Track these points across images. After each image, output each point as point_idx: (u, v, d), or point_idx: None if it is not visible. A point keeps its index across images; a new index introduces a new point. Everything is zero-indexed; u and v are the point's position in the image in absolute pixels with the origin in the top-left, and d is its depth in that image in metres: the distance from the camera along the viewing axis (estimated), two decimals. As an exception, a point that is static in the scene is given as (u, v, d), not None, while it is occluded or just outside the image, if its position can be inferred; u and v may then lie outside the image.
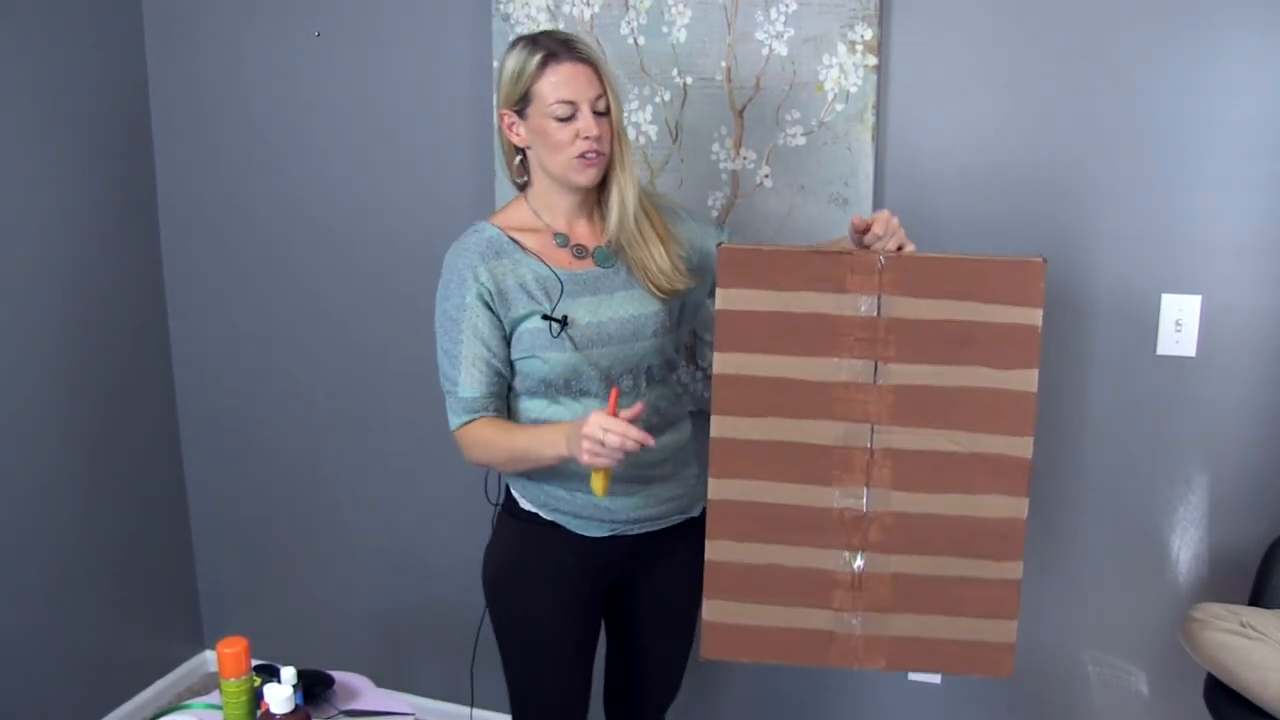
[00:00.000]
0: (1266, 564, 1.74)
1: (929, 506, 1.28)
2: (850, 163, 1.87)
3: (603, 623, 1.73)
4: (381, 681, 2.01)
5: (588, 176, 1.51)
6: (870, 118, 1.85)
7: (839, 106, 1.86)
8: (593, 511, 1.56)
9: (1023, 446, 1.26)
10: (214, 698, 1.76)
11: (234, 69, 2.32)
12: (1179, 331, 1.81)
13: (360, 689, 1.88)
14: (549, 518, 1.58)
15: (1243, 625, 1.59)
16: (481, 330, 1.50)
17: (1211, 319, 1.79)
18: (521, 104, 1.49)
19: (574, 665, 1.64)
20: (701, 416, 1.51)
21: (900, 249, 1.42)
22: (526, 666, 1.64)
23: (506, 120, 1.52)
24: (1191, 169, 1.75)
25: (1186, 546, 1.89)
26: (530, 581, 1.59)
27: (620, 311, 1.53)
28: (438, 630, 2.37)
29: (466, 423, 1.53)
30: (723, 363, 1.27)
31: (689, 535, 1.62)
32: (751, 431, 1.28)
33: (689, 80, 1.93)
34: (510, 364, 1.54)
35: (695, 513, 1.66)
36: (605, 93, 1.49)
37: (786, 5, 1.85)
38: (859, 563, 1.30)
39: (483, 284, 1.50)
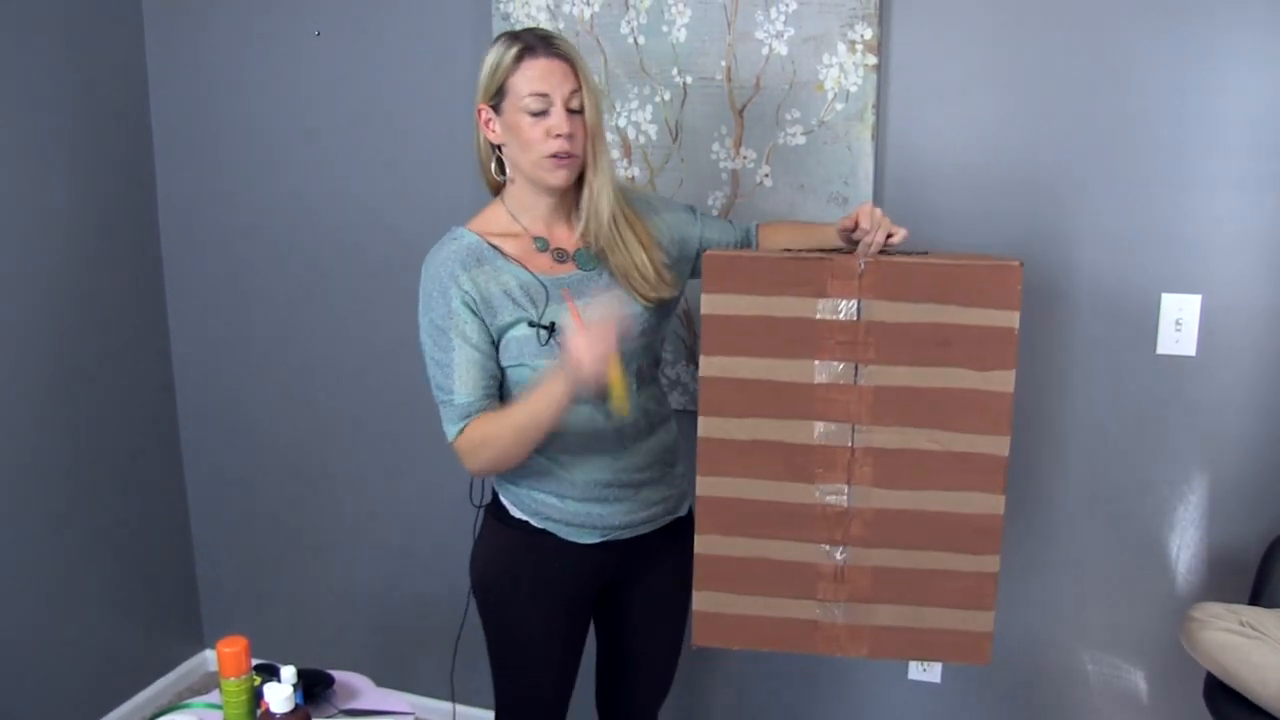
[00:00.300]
0: (1266, 563, 1.75)
1: (909, 502, 1.34)
2: (850, 162, 1.88)
3: (592, 623, 1.73)
4: (381, 681, 2.02)
5: (558, 177, 1.48)
6: (870, 117, 1.86)
7: (839, 106, 1.87)
8: (584, 519, 1.56)
9: (1000, 445, 1.31)
10: (214, 697, 1.76)
11: (234, 68, 2.32)
12: (1179, 331, 1.81)
13: (360, 688, 1.89)
14: (540, 526, 1.58)
15: (1242, 624, 1.59)
16: (471, 335, 1.47)
17: (1211, 318, 1.80)
18: (497, 98, 1.47)
19: (563, 668, 1.66)
20: (690, 415, 1.52)
21: (890, 237, 1.45)
22: (516, 671, 1.64)
23: (484, 116, 1.50)
24: (1192, 168, 1.76)
25: (1186, 546, 1.89)
26: (522, 590, 1.59)
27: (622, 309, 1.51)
28: (438, 630, 2.37)
29: (463, 429, 1.48)
30: (708, 365, 1.32)
31: (677, 535, 1.65)
32: (737, 431, 1.33)
33: (689, 80, 1.94)
34: (501, 368, 1.52)
35: (683, 512, 1.68)
36: (580, 90, 1.46)
37: (786, 5, 1.86)
38: (841, 555, 1.36)
39: (466, 291, 1.47)
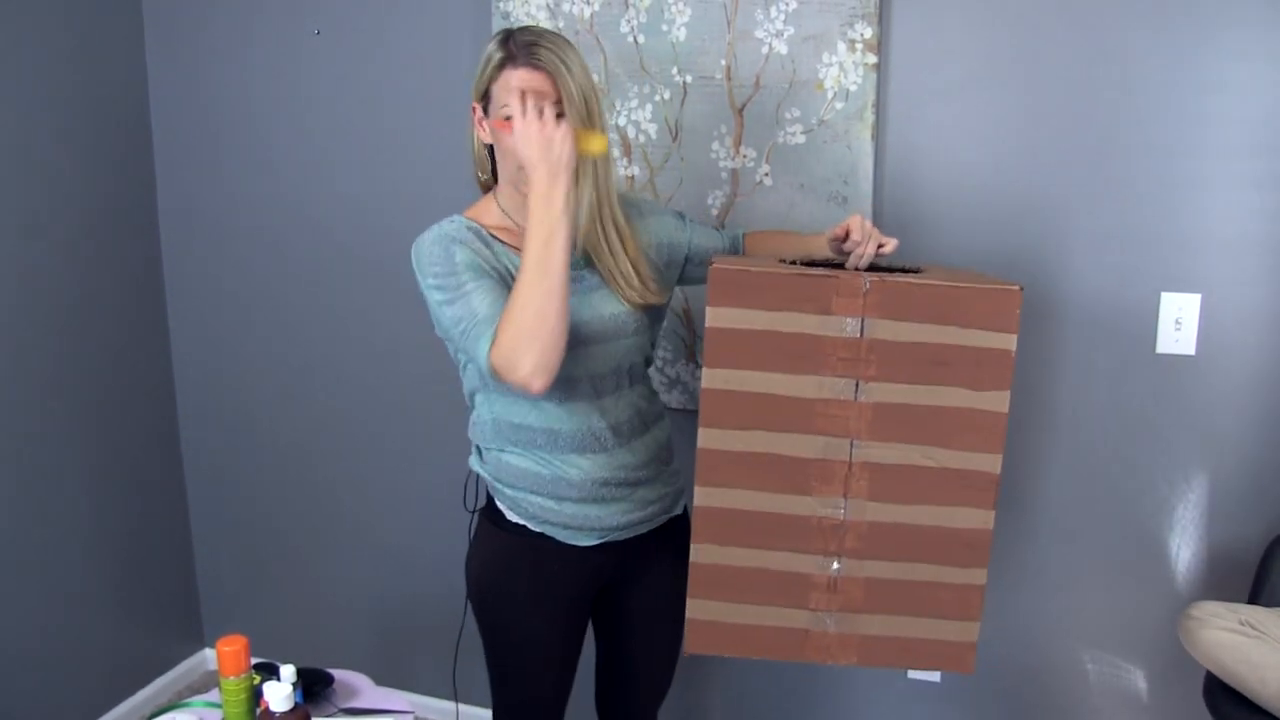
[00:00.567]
0: (1266, 562, 1.75)
1: (902, 516, 1.36)
2: (850, 161, 1.88)
3: (590, 624, 1.74)
4: (381, 680, 2.02)
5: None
6: (870, 116, 1.86)
7: (839, 105, 1.87)
8: (582, 521, 1.56)
9: (992, 463, 1.34)
10: (214, 695, 1.76)
11: (234, 67, 2.33)
12: (1178, 330, 1.81)
13: (360, 687, 1.89)
14: (537, 529, 1.57)
15: (1242, 623, 1.59)
16: (481, 276, 1.42)
17: (1211, 317, 1.80)
18: (484, 100, 1.47)
19: (561, 671, 1.67)
20: (689, 415, 1.52)
21: (881, 247, 1.47)
22: (515, 674, 1.65)
23: (476, 114, 1.50)
24: (1192, 167, 1.76)
25: (1186, 545, 1.89)
26: (520, 594, 1.60)
27: (600, 310, 1.52)
28: (437, 629, 2.37)
29: (494, 334, 1.36)
30: (711, 377, 1.34)
31: (673, 534, 1.67)
32: (736, 443, 1.35)
33: (689, 78, 1.94)
34: None
35: (678, 511, 1.70)
36: (557, 103, 1.41)
37: (786, 4, 1.86)
38: (835, 566, 1.38)
39: (468, 251, 1.44)
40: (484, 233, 1.49)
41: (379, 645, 2.53)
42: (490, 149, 1.53)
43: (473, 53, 2.08)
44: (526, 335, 1.34)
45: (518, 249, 1.48)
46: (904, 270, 1.47)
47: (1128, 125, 1.79)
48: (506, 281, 1.45)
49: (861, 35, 1.85)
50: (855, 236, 1.46)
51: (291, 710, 1.51)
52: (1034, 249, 1.87)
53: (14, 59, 2.12)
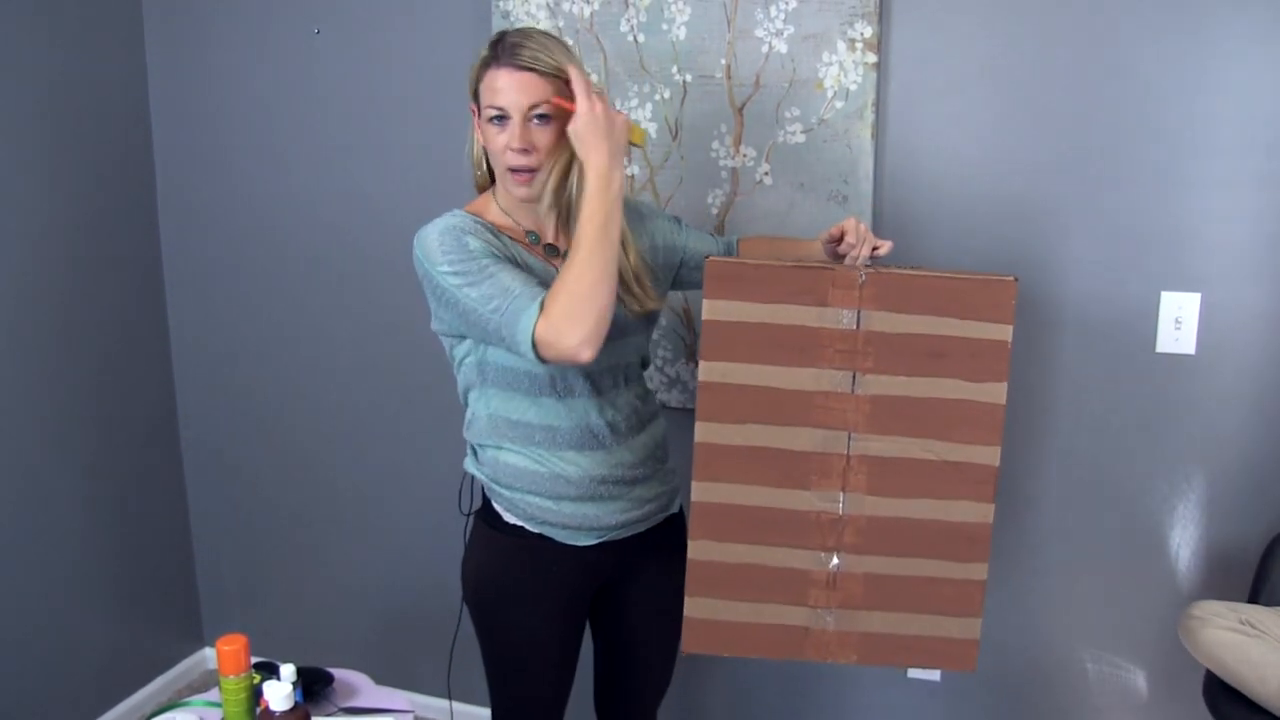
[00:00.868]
0: (1266, 561, 1.76)
1: (901, 510, 1.36)
2: (850, 160, 1.88)
3: (588, 624, 1.74)
4: (381, 679, 2.02)
5: (519, 192, 1.47)
6: (870, 115, 1.86)
7: (839, 104, 1.87)
8: (580, 521, 1.56)
9: (991, 455, 1.34)
10: (213, 695, 1.77)
11: (234, 66, 2.33)
12: (1178, 329, 1.81)
13: (359, 686, 1.89)
14: (536, 530, 1.57)
15: (1242, 623, 1.59)
16: (498, 260, 1.41)
17: (1211, 317, 1.80)
18: (475, 98, 1.48)
19: (560, 672, 1.66)
20: (689, 413, 1.52)
21: (876, 250, 1.48)
22: (513, 676, 1.65)
23: (474, 113, 1.50)
24: (1192, 166, 1.77)
25: (1186, 544, 1.89)
26: (519, 596, 1.60)
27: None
28: (437, 628, 2.37)
29: (541, 306, 1.34)
30: (708, 371, 1.34)
31: (671, 532, 1.67)
32: (734, 437, 1.35)
33: (689, 78, 1.94)
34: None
35: (675, 510, 1.71)
36: (545, 103, 1.41)
37: (786, 3, 1.87)
38: (835, 562, 1.38)
39: (480, 240, 1.43)
40: (488, 226, 1.48)
41: (379, 644, 2.53)
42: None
43: (473, 50, 2.07)
44: (581, 307, 1.32)
45: (524, 243, 1.50)
46: (899, 268, 1.48)
47: (1128, 124, 1.79)
48: (520, 269, 1.45)
49: (861, 34, 1.85)
50: (849, 239, 1.47)
51: (291, 709, 1.51)
52: (1034, 248, 1.87)
53: (13, 58, 2.12)
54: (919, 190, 1.91)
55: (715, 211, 2.00)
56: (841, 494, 1.35)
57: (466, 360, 1.54)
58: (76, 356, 2.33)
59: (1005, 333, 1.30)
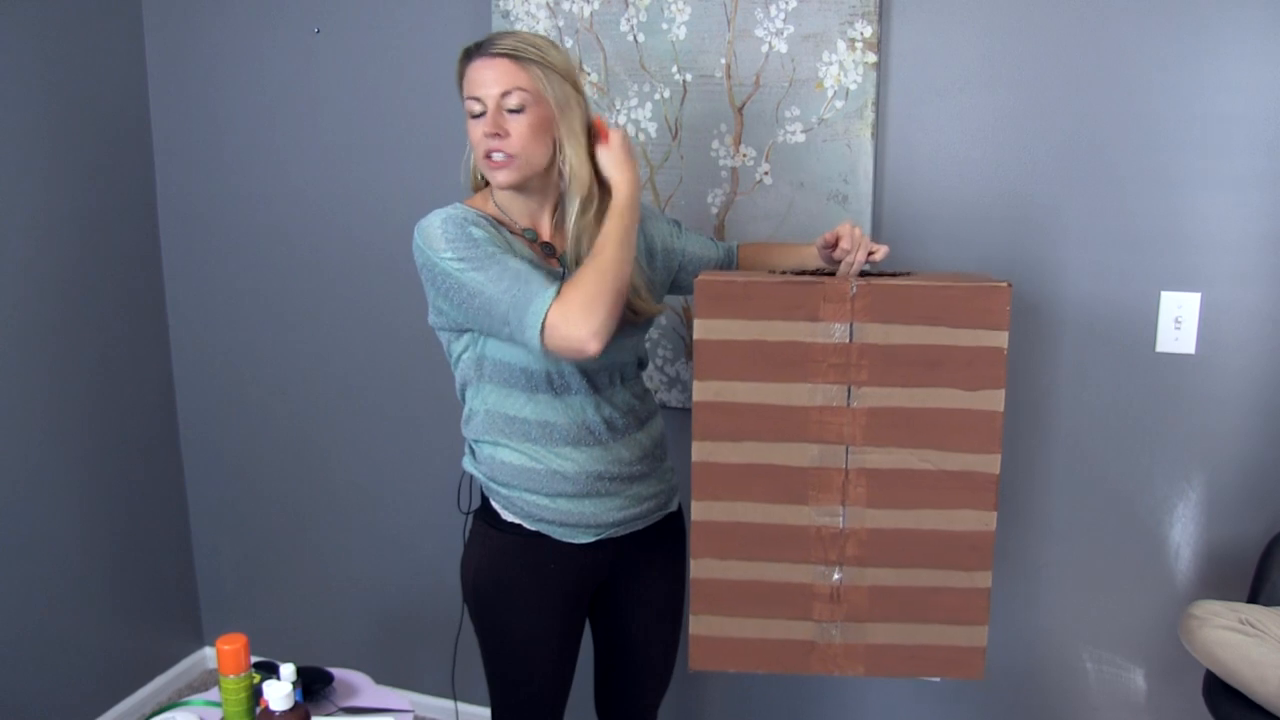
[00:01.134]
0: (1265, 561, 1.75)
1: (902, 521, 1.35)
2: (849, 160, 1.88)
3: (587, 624, 1.74)
4: (381, 678, 2.02)
5: (497, 179, 1.47)
6: (870, 115, 1.85)
7: (838, 104, 1.86)
8: (578, 518, 1.56)
9: (990, 463, 1.33)
10: (213, 694, 1.77)
11: (234, 66, 2.33)
12: (1178, 329, 1.81)
13: (359, 686, 1.89)
14: (533, 528, 1.57)
15: (1242, 622, 1.59)
16: (500, 244, 1.43)
17: (1211, 316, 1.80)
18: (461, 96, 1.50)
19: (560, 671, 1.66)
20: (688, 413, 1.52)
21: (872, 254, 1.48)
22: (513, 675, 1.64)
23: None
24: (1192, 166, 1.76)
25: (1186, 543, 1.89)
26: (518, 594, 1.59)
27: None
28: (437, 627, 2.37)
29: (555, 294, 1.36)
30: (702, 390, 1.33)
31: (669, 531, 1.68)
32: (731, 455, 1.35)
33: (689, 77, 1.94)
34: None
35: (673, 508, 1.71)
36: (519, 90, 1.42)
37: (786, 2, 1.87)
38: (837, 576, 1.37)
39: (483, 231, 1.43)
40: (490, 219, 1.49)
41: (379, 644, 2.53)
42: None
43: (471, 51, 2.08)
44: (598, 300, 1.35)
45: (522, 239, 1.52)
46: (894, 274, 1.47)
47: (1128, 123, 1.79)
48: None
49: (861, 34, 1.84)
50: (845, 245, 1.47)
51: (291, 709, 1.51)
52: (1034, 248, 1.86)
53: (13, 57, 2.12)
54: (919, 189, 1.91)
55: (715, 211, 2.00)
56: (841, 508, 1.34)
57: (464, 356, 1.55)
58: (76, 356, 2.33)
59: (1001, 339, 1.29)
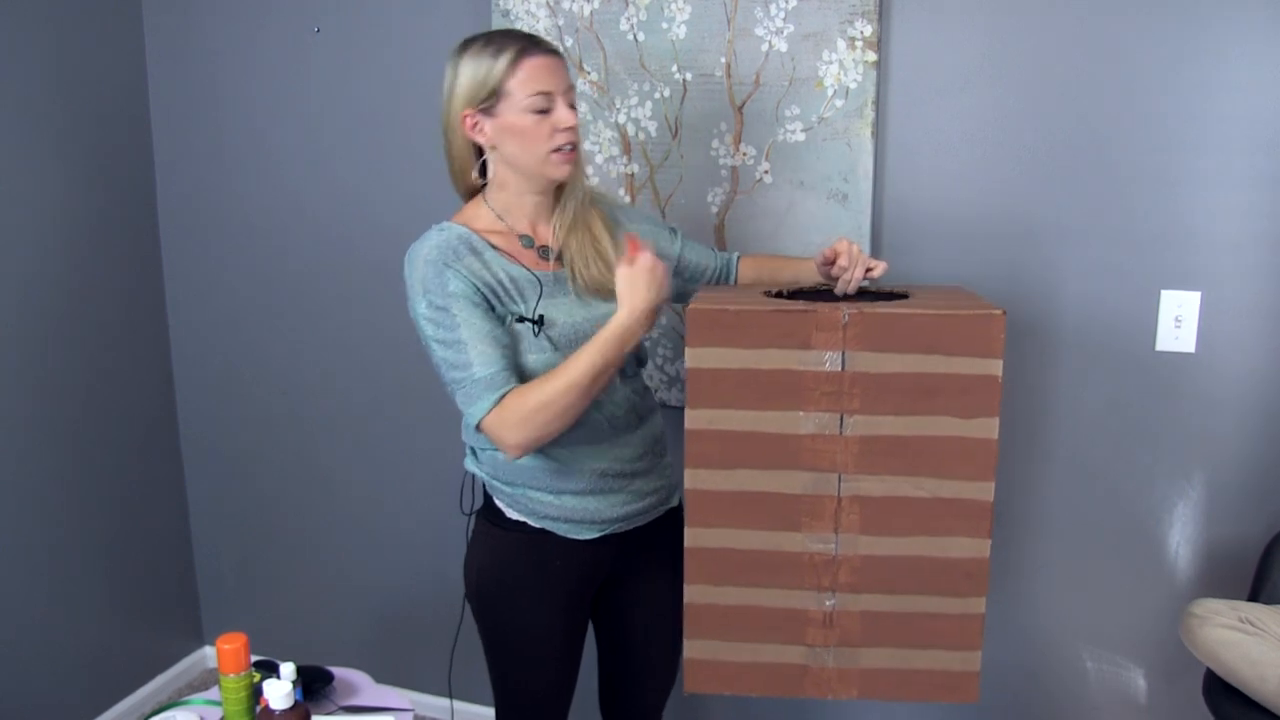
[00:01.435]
0: (1266, 559, 1.75)
1: (896, 549, 1.35)
2: (850, 159, 1.87)
3: (591, 625, 1.75)
4: (381, 677, 2.02)
5: (564, 171, 1.50)
6: (870, 114, 1.85)
7: (838, 103, 1.86)
8: (582, 514, 1.56)
9: (984, 490, 1.32)
10: (213, 693, 1.77)
11: (234, 65, 2.33)
12: (1178, 328, 1.80)
13: (359, 685, 1.89)
14: (538, 525, 1.57)
15: (1242, 621, 1.59)
16: (474, 312, 1.44)
17: (1211, 315, 1.79)
18: (490, 101, 1.47)
19: (564, 669, 1.67)
20: (681, 411, 1.52)
21: (870, 271, 1.48)
22: (518, 674, 1.65)
23: (470, 121, 1.49)
24: (1192, 165, 1.76)
25: (1186, 542, 1.88)
26: (522, 592, 1.60)
27: (596, 310, 1.52)
28: (437, 626, 2.37)
29: (496, 401, 1.41)
30: (694, 418, 1.33)
31: (670, 527, 1.67)
32: (724, 483, 1.34)
33: (689, 76, 1.93)
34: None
35: (674, 503, 1.71)
36: (572, 89, 1.50)
37: (786, 1, 1.87)
38: (830, 602, 1.37)
39: (462, 275, 1.45)
40: (476, 240, 1.49)
41: (379, 643, 2.53)
42: (479, 151, 1.52)
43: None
44: (537, 426, 1.41)
45: (510, 254, 1.50)
46: (890, 295, 1.46)
47: (1128, 122, 1.78)
48: (499, 295, 1.46)
49: (861, 33, 1.84)
50: (842, 262, 1.47)
51: (291, 708, 1.51)
52: (1034, 246, 1.86)
53: (12, 57, 2.11)
54: (919, 189, 1.90)
55: (715, 210, 2.00)
56: (834, 534, 1.34)
57: None
58: (76, 356, 2.32)
59: (995, 367, 1.27)
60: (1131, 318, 1.84)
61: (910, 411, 1.29)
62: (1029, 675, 2.04)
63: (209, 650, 2.74)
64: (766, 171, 1.95)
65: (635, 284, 1.40)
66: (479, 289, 1.45)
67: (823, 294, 1.50)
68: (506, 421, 1.41)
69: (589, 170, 2.04)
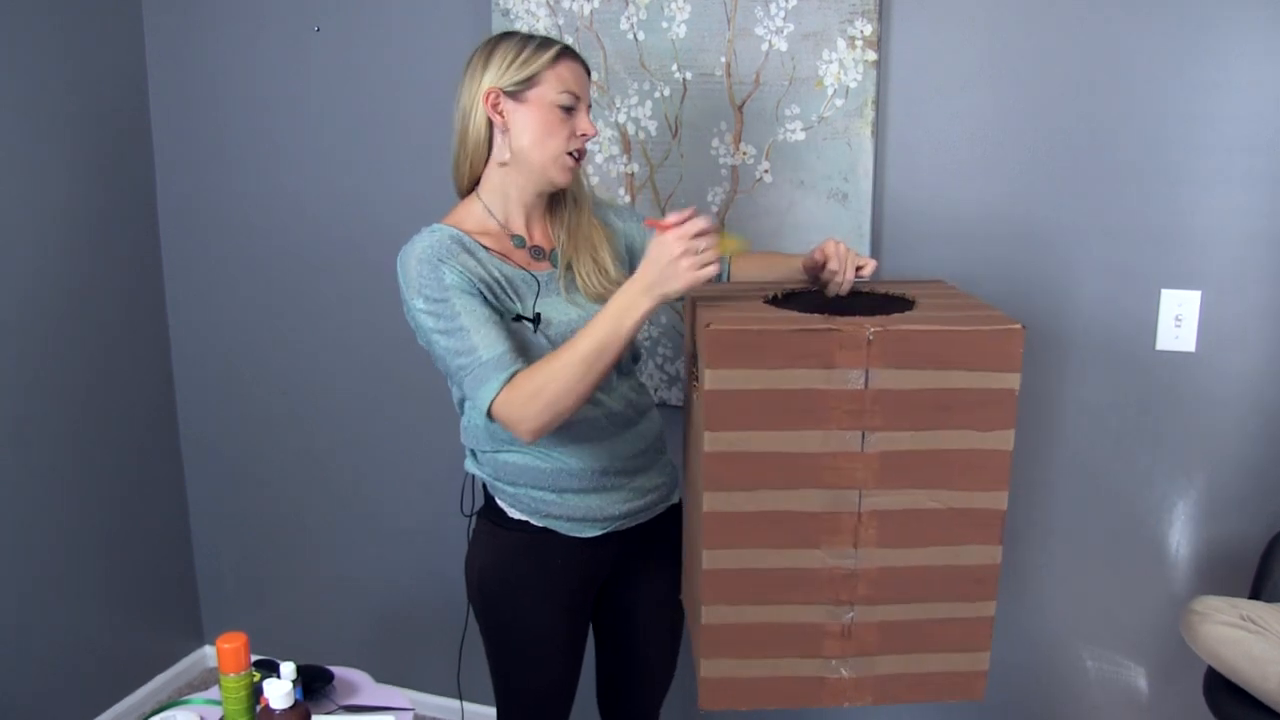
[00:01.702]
0: (1267, 558, 1.75)
1: (912, 559, 1.34)
2: (850, 158, 1.87)
3: (590, 625, 1.74)
4: (381, 677, 2.01)
5: (566, 178, 1.51)
6: (870, 113, 1.85)
7: (838, 102, 1.86)
8: (585, 512, 1.56)
9: (998, 500, 1.32)
10: (214, 693, 1.76)
11: (234, 64, 2.32)
12: (1179, 327, 1.80)
13: (360, 684, 1.89)
14: (540, 524, 1.57)
15: (1243, 619, 1.58)
16: (473, 301, 1.42)
17: (1211, 314, 1.79)
18: (522, 86, 1.46)
19: (566, 667, 1.66)
20: (678, 409, 1.52)
21: (860, 269, 1.47)
22: (521, 671, 1.64)
23: (492, 98, 1.47)
24: (1191, 164, 1.75)
25: (1186, 541, 1.88)
26: (525, 591, 1.59)
27: (589, 311, 1.51)
28: (437, 625, 2.37)
29: (506, 380, 1.38)
30: (714, 441, 1.30)
31: (671, 525, 1.67)
32: (744, 504, 1.32)
33: (689, 75, 1.93)
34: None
35: (674, 500, 1.70)
36: (592, 105, 1.54)
37: (786, 1, 1.85)
38: (849, 615, 1.36)
39: (457, 270, 1.43)
40: (468, 240, 1.48)
41: (379, 642, 2.52)
42: (489, 143, 1.51)
43: (472, 47, 2.07)
44: (546, 403, 1.36)
45: (501, 254, 1.49)
46: (885, 297, 1.46)
47: (1128, 121, 1.78)
48: (495, 292, 1.46)
49: (861, 32, 1.84)
50: (832, 265, 1.46)
51: (291, 707, 1.51)
52: (1034, 246, 1.86)
53: (12, 58, 2.11)
54: (919, 187, 1.90)
55: (715, 209, 2.00)
56: (853, 550, 1.33)
57: None
58: (76, 355, 2.32)
59: (1013, 381, 1.27)
60: (1132, 317, 1.84)
61: (930, 426, 1.29)
62: (1030, 673, 2.04)
63: (209, 650, 2.74)
64: (766, 171, 1.95)
65: (663, 250, 1.32)
66: (474, 283, 1.43)
67: (817, 296, 1.49)
68: (517, 400, 1.37)
69: (589, 170, 2.04)
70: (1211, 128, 1.75)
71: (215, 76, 2.35)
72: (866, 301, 1.44)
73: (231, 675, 1.61)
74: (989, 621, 1.37)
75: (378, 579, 2.51)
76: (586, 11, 1.98)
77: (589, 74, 1.52)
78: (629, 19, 1.96)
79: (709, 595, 1.35)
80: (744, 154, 1.96)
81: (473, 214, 1.53)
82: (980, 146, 1.86)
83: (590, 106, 1.52)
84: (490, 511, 1.62)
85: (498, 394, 1.38)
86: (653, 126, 2.00)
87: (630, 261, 1.65)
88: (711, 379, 1.27)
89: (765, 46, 1.90)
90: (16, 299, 2.17)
